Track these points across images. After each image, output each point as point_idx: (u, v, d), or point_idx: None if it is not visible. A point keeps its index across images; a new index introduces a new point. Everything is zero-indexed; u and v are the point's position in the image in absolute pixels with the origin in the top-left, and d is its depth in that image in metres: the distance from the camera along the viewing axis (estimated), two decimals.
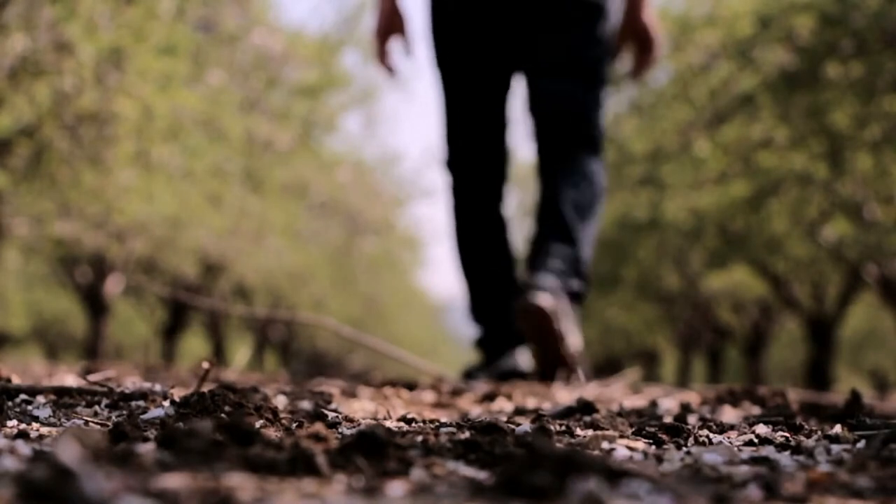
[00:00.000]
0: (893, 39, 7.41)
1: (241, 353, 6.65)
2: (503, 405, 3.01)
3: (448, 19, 3.40)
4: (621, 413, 2.57)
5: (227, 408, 1.82)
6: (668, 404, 2.95)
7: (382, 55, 3.61)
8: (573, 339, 3.26)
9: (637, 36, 3.50)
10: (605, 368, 21.90)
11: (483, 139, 3.43)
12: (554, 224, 3.24)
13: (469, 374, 3.54)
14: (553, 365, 3.29)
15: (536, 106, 3.40)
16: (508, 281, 3.48)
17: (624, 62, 3.60)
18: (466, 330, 3.91)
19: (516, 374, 3.39)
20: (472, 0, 3.35)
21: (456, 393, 3.32)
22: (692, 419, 2.43)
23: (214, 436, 1.30)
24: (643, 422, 2.19)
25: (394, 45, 3.62)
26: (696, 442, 1.83)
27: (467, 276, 3.52)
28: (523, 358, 3.47)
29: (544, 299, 3.12)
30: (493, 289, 3.47)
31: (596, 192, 3.37)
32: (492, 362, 3.49)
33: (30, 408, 2.03)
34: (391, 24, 3.55)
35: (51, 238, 10.45)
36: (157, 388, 2.25)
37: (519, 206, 17.19)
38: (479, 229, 3.46)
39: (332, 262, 17.75)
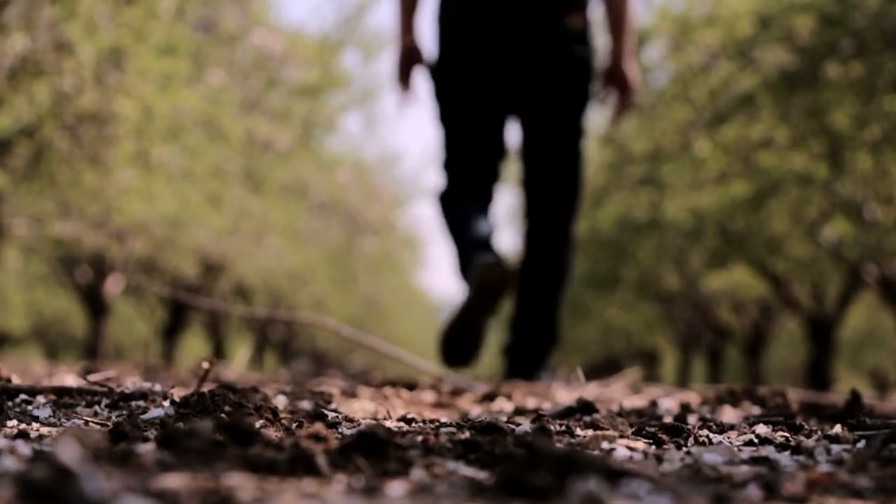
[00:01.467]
0: (893, 39, 7.41)
1: (241, 353, 6.65)
2: (503, 405, 3.01)
3: (455, 61, 3.77)
4: (621, 413, 2.57)
5: (227, 408, 1.82)
6: (668, 404, 2.95)
7: (405, 85, 4.00)
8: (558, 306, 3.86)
9: (618, 83, 3.91)
10: (605, 368, 21.90)
11: (479, 168, 3.80)
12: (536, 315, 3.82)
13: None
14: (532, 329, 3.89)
15: (529, 155, 3.84)
16: (488, 240, 3.75)
17: (606, 103, 3.99)
18: None
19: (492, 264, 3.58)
20: (479, 48, 3.71)
21: (456, 393, 3.33)
22: (692, 419, 2.43)
23: (214, 436, 1.30)
24: (643, 422, 2.19)
25: (414, 76, 3.99)
26: (696, 442, 1.83)
27: (454, 237, 3.78)
28: (489, 257, 3.65)
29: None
30: (475, 223, 3.75)
31: (573, 234, 3.87)
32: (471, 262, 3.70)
33: (30, 408, 2.03)
34: (410, 58, 3.94)
35: (51, 238, 10.45)
36: (157, 388, 2.25)
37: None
38: (465, 204, 3.80)
39: (332, 262, 17.75)
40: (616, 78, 3.90)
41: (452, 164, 3.83)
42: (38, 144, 7.45)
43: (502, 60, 3.70)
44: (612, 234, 13.40)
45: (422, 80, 3.97)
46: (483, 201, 3.80)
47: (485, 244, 3.66)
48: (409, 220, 31.98)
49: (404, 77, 3.98)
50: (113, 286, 14.02)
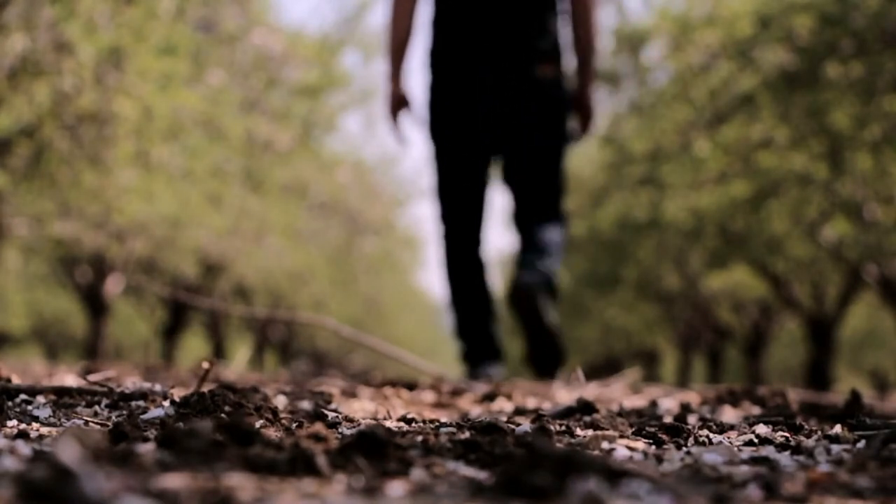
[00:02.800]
0: (893, 39, 7.41)
1: (241, 353, 6.65)
2: (503, 405, 3.01)
3: (445, 110, 4.31)
4: (621, 413, 2.57)
5: (227, 408, 1.82)
6: (668, 404, 2.95)
7: (394, 126, 4.53)
8: (552, 314, 4.17)
9: (581, 111, 4.43)
10: (605, 368, 21.89)
11: (468, 198, 4.34)
12: (534, 246, 4.23)
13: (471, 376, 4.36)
14: (538, 340, 4.15)
15: (517, 181, 4.36)
16: (487, 310, 4.39)
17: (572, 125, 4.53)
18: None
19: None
20: (464, 96, 4.26)
21: (456, 393, 3.32)
22: (692, 419, 2.43)
23: (214, 436, 1.30)
24: (643, 422, 2.19)
25: (402, 119, 4.52)
26: (696, 442, 1.83)
27: (455, 305, 4.41)
28: (496, 371, 4.30)
29: (530, 282, 4.07)
30: (474, 316, 4.37)
31: (561, 247, 4.30)
32: (473, 371, 4.33)
33: (30, 408, 2.03)
34: (398, 104, 4.47)
35: (51, 238, 10.44)
36: (157, 388, 2.25)
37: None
38: (464, 270, 4.36)
39: (332, 262, 17.75)
40: (579, 106, 4.42)
41: (446, 197, 4.37)
42: (38, 144, 7.45)
43: (484, 107, 4.24)
44: (612, 234, 13.40)
45: (409, 122, 4.52)
46: (475, 242, 4.37)
47: (488, 348, 4.33)
48: (408, 220, 31.97)
49: (394, 119, 4.50)
50: (113, 286, 14.03)
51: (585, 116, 4.45)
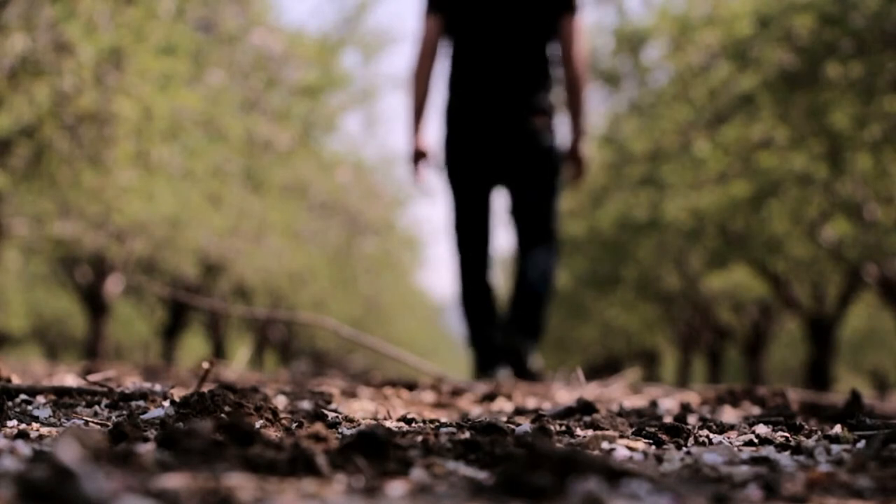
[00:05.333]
0: (893, 39, 7.40)
1: (241, 353, 6.65)
2: (503, 405, 3.01)
3: (457, 153, 5.11)
4: (621, 413, 2.57)
5: (227, 408, 1.82)
6: (668, 404, 2.95)
7: (416, 174, 5.26)
8: (536, 361, 4.97)
9: (574, 163, 5.18)
10: (605, 368, 21.89)
11: (478, 230, 5.14)
12: (527, 290, 5.01)
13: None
14: (521, 375, 4.87)
15: (517, 213, 5.14)
16: (493, 324, 5.10)
17: (566, 172, 5.27)
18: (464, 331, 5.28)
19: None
20: (473, 142, 5.07)
21: (456, 393, 3.32)
22: (692, 419, 2.44)
23: (214, 436, 1.30)
24: (643, 422, 2.19)
25: (423, 168, 5.23)
26: (696, 442, 1.83)
27: (468, 321, 5.13)
28: (504, 373, 4.87)
29: (518, 344, 4.92)
30: (484, 328, 5.09)
31: (553, 264, 5.11)
32: (484, 376, 4.95)
33: (30, 408, 2.03)
34: (419, 153, 5.19)
35: (51, 238, 10.44)
36: (157, 388, 2.25)
37: None
38: (475, 291, 5.12)
39: (332, 262, 17.73)
40: (572, 158, 5.16)
41: (459, 226, 5.16)
42: (38, 144, 7.44)
43: (489, 152, 5.06)
44: (612, 234, 13.39)
45: (429, 170, 5.30)
46: (485, 267, 5.13)
47: (492, 327, 5.05)
48: (408, 220, 31.95)
49: (415, 168, 5.25)
50: (113, 286, 14.02)
51: (578, 166, 5.20)
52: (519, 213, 5.14)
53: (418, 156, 5.21)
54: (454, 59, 5.14)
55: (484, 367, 5.01)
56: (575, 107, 5.12)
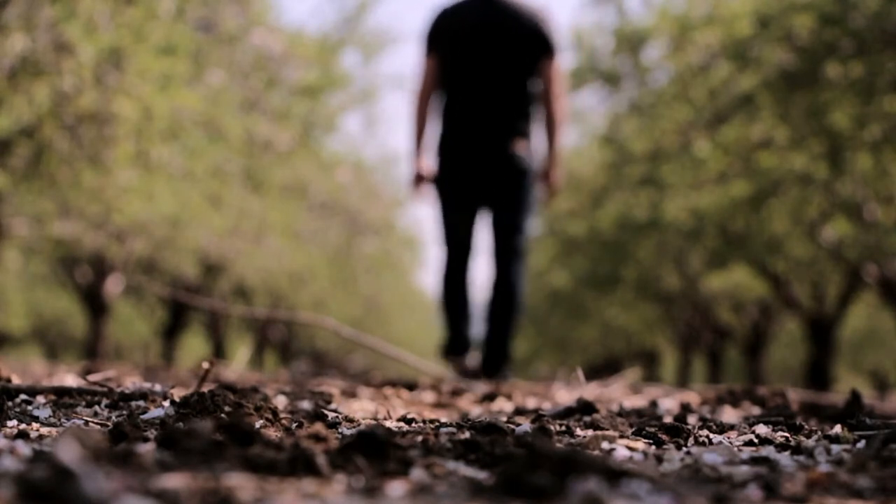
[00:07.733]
0: (893, 39, 7.40)
1: (241, 353, 6.65)
2: (503, 405, 3.01)
3: (447, 176, 5.75)
4: (621, 413, 2.57)
5: (227, 408, 1.82)
6: (668, 404, 2.95)
7: (417, 191, 5.85)
8: (510, 373, 5.65)
9: (546, 182, 5.77)
10: (605, 368, 21.89)
11: (460, 238, 5.75)
12: (503, 311, 5.70)
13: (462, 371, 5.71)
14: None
15: (494, 228, 5.76)
16: (466, 317, 5.75)
17: (540, 191, 5.91)
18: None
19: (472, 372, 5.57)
20: (460, 167, 5.73)
21: (456, 393, 3.33)
22: (692, 419, 2.44)
23: (214, 436, 1.30)
24: (643, 422, 2.19)
25: (423, 188, 5.83)
26: (696, 442, 1.83)
27: (445, 312, 5.76)
28: (471, 357, 5.63)
29: (495, 372, 5.52)
30: (457, 320, 5.72)
31: (521, 276, 5.76)
32: (452, 359, 5.69)
33: (30, 408, 2.03)
34: (420, 174, 5.77)
35: (51, 238, 10.44)
36: (157, 388, 2.25)
37: None
38: (453, 286, 5.75)
39: (332, 262, 17.73)
40: (546, 178, 5.77)
41: (446, 236, 5.78)
42: (38, 144, 7.44)
43: (474, 173, 5.70)
44: (612, 234, 13.39)
45: (427, 187, 5.91)
46: (465, 270, 5.76)
47: (464, 343, 5.70)
48: (408, 220, 31.95)
49: (416, 187, 5.85)
50: (113, 286, 14.02)
51: (550, 186, 5.84)
52: (496, 229, 5.80)
53: (419, 178, 5.86)
54: (448, 94, 5.79)
55: (452, 350, 5.69)
56: (551, 138, 5.77)
